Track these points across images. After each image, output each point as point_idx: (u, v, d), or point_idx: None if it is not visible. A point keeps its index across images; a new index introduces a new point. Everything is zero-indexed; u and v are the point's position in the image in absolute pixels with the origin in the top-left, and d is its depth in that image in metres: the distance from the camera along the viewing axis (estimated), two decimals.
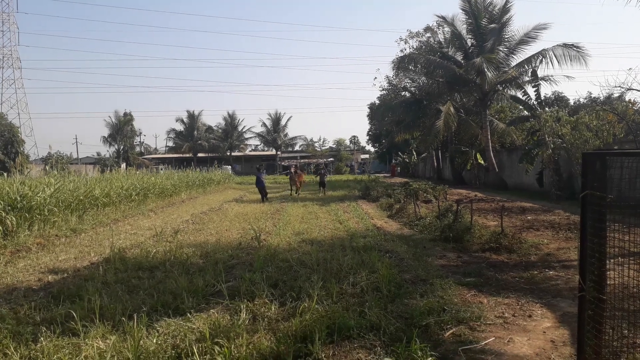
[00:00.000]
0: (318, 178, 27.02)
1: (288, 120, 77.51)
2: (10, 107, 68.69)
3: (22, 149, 50.02)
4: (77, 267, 8.03)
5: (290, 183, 26.05)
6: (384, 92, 44.31)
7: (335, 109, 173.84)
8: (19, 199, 11.47)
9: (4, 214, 10.54)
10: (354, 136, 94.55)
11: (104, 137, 66.22)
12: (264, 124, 75.50)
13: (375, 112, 49.74)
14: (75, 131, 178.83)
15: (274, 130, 75.06)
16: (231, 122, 74.49)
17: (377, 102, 50.13)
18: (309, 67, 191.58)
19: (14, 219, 10.78)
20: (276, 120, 75.50)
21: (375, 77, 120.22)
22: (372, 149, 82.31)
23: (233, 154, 74.74)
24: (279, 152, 76.86)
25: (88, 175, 20.49)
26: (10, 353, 4.16)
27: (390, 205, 16.61)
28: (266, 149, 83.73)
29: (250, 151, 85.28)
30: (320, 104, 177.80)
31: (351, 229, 11.72)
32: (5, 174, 15.13)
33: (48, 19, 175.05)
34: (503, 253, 8.43)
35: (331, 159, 76.18)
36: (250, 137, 78.03)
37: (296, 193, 24.91)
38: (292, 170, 25.95)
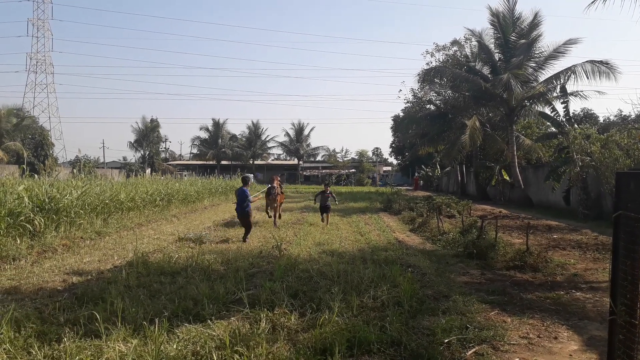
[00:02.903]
0: (319, 201, 15.63)
1: (311, 130, 77.85)
2: (42, 110, 70.83)
3: (51, 151, 51.37)
4: (100, 270, 8.15)
5: (266, 203, 15.69)
6: (409, 104, 44.19)
7: (359, 121, 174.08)
8: (47, 200, 11.73)
9: (32, 215, 10.78)
10: (377, 148, 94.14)
11: (131, 142, 67.55)
12: (287, 134, 75.99)
13: (399, 125, 49.48)
14: (103, 136, 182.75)
15: (297, 140, 75.42)
16: (255, 130, 75.14)
17: (401, 114, 49.95)
18: (334, 78, 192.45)
19: (42, 220, 11.02)
20: (299, 130, 75.88)
21: (400, 90, 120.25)
22: (395, 162, 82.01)
23: (256, 162, 75.26)
24: (301, 162, 77.13)
25: (114, 180, 20.87)
26: (34, 352, 4.23)
27: (412, 219, 16.45)
28: (288, 158, 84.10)
29: (272, 160, 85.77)
30: (344, 115, 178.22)
31: (372, 241, 11.63)
32: (35, 176, 15.51)
33: (80, 26, 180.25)
34: (528, 272, 8.25)
35: (353, 170, 76.06)
36: (273, 146, 78.58)
37: (274, 218, 15.38)
38: (276, 184, 15.07)
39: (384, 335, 4.76)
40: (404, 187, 50.78)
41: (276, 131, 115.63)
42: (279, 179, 15.64)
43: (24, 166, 15.12)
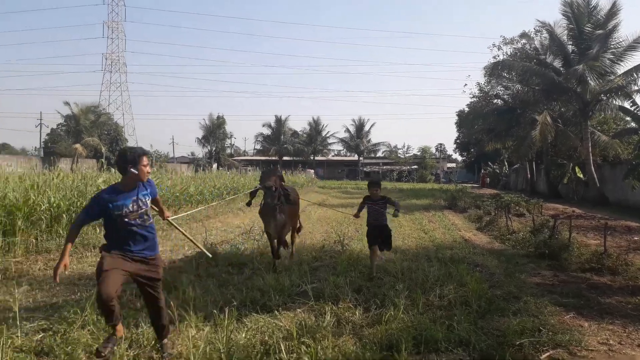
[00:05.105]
0: (364, 217, 7.84)
1: (372, 126, 77.45)
2: (116, 108, 74.53)
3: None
4: (172, 259, 8.52)
5: (264, 226, 7.67)
6: (474, 99, 42.75)
7: (422, 116, 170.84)
8: None
9: None
10: (440, 144, 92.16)
11: (198, 138, 70.14)
12: (348, 130, 76.07)
13: (464, 120, 48.16)
14: (172, 132, 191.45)
15: (357, 136, 75.30)
16: (316, 127, 75.75)
17: (467, 109, 48.49)
18: (397, 73, 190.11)
19: None
20: (360, 126, 75.73)
21: (466, 84, 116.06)
22: (460, 158, 79.93)
23: (316, 158, 75.87)
24: (361, 158, 76.91)
25: (183, 174, 21.78)
26: None
27: (479, 217, 15.95)
28: (349, 154, 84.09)
29: (332, 156, 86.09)
30: (406, 110, 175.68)
31: (437, 239, 11.39)
32: (112, 170, 16.45)
33: (151, 27, 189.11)
34: (606, 274, 7.76)
35: (415, 166, 74.91)
36: (334, 142, 78.88)
37: (282, 249, 8.03)
38: (273, 182, 7.10)
39: (452, 335, 4.65)
40: (469, 185, 49.29)
41: (336, 127, 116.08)
42: (279, 173, 7.75)
43: (103, 160, 16.13)
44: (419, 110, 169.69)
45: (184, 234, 5.28)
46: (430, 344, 4.46)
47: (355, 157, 78.03)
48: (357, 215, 7.83)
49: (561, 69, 25.97)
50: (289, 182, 31.85)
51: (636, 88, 22.98)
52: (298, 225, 8.93)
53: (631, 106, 21.83)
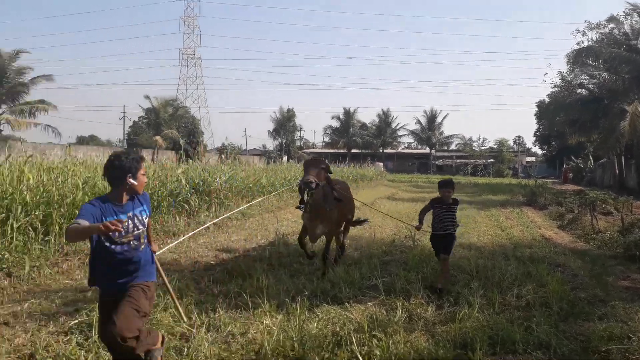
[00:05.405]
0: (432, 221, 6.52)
1: (444, 117, 74.79)
2: (193, 101, 77.42)
3: (201, 139, 56.69)
4: (246, 248, 8.80)
5: (303, 225, 6.96)
6: (556, 89, 40.28)
7: (498, 107, 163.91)
8: (201, 183, 13.08)
9: (189, 196, 12.07)
10: (519, 137, 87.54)
11: (269, 131, 71.55)
12: (419, 122, 74.30)
13: (545, 111, 45.47)
14: (244, 125, 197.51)
15: (429, 128, 73.39)
16: (385, 119, 74.68)
17: (547, 99, 45.82)
18: (470, 62, 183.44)
19: (196, 200, 12.31)
20: (431, 117, 73.73)
21: (546, 73, 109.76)
22: (540, 152, 75.92)
23: (386, 151, 74.99)
24: (433, 151, 75.06)
25: (255, 166, 22.37)
26: (194, 318, 4.74)
27: (561, 215, 15.07)
28: (419, 147, 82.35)
29: (403, 149, 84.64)
30: (482, 101, 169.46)
31: (515, 237, 10.90)
32: (189, 161, 17.26)
33: (224, 21, 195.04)
34: None
35: (491, 160, 72.05)
36: (404, 135, 77.38)
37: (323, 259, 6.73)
38: (311, 176, 5.90)
39: (530, 336, 4.46)
40: (550, 180, 46.73)
41: (407, 119, 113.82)
42: (324, 165, 6.51)
43: (182, 152, 16.98)
44: (496, 101, 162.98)
45: (165, 282, 4.25)
46: (507, 344, 4.31)
47: (427, 150, 76.25)
48: (419, 227, 6.46)
49: None
50: (357, 176, 31.66)
51: None
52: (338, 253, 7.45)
53: None
